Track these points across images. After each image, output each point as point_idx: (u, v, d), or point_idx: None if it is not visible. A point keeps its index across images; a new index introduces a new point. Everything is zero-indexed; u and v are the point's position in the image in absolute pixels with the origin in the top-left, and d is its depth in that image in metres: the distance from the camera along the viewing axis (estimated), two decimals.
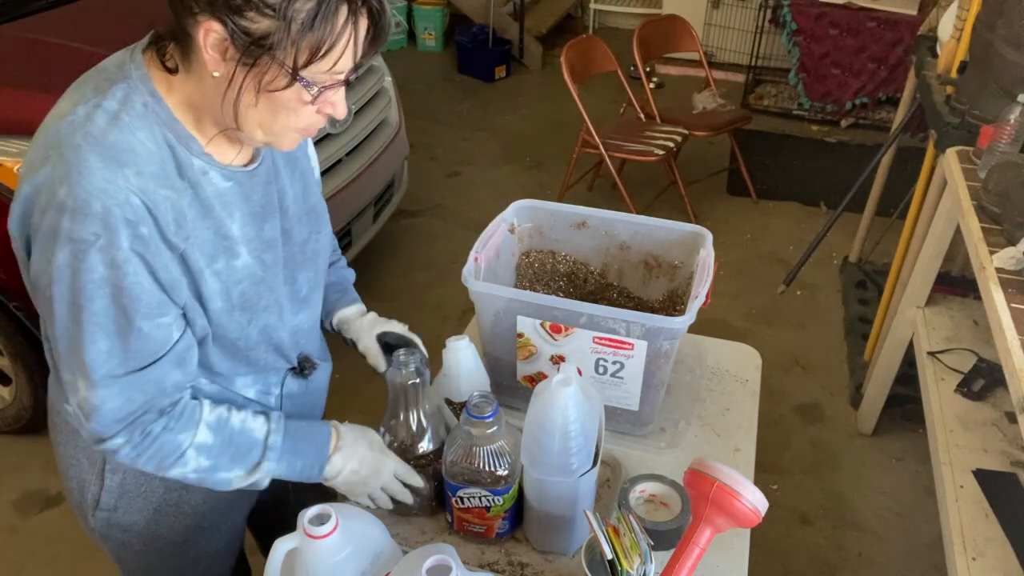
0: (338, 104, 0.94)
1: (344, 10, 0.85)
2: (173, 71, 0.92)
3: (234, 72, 0.87)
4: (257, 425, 1.07)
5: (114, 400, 0.94)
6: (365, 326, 1.31)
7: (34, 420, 2.46)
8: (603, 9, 6.05)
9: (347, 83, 0.93)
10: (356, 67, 0.92)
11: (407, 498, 1.18)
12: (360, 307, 1.35)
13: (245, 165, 1.02)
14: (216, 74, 0.88)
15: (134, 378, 0.94)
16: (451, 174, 4.19)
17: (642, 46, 3.80)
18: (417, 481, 1.17)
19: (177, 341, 0.97)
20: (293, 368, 1.20)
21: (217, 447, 1.02)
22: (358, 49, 0.89)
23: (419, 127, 4.48)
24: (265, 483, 1.08)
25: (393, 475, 1.16)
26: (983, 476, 1.80)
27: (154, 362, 0.95)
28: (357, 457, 1.14)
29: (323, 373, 1.28)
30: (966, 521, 1.69)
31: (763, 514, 1.02)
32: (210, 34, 0.84)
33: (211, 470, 1.03)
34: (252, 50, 0.85)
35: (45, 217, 0.87)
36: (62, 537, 2.24)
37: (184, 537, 1.22)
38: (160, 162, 0.91)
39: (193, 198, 0.95)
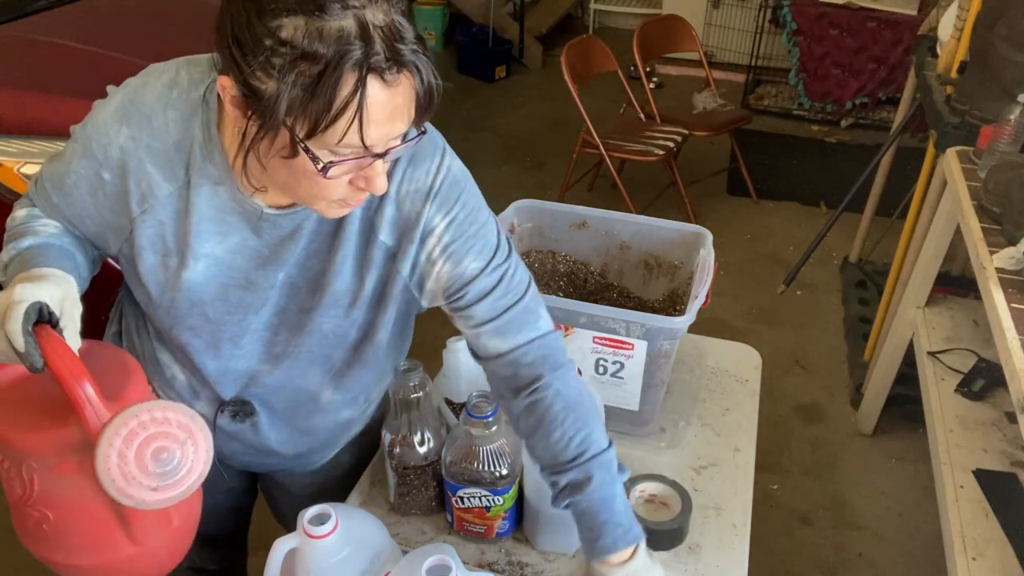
0: (373, 179, 0.86)
1: (351, 79, 0.76)
2: None
3: (246, 128, 0.83)
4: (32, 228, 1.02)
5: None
6: None
7: None
8: (603, 9, 6.05)
9: (382, 156, 0.84)
10: (403, 136, 0.85)
11: (5, 355, 0.85)
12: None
13: (276, 207, 0.97)
14: (237, 128, 0.85)
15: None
16: None
17: (642, 46, 3.79)
18: (15, 339, 0.82)
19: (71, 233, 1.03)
20: (224, 404, 1.13)
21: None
22: (370, 125, 0.79)
23: None
24: None
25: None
26: (983, 476, 1.80)
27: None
28: None
29: (273, 433, 1.17)
30: (966, 521, 1.69)
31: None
32: (226, 90, 0.82)
33: None
34: (261, 110, 0.79)
35: None
36: None
37: None
38: (170, 145, 0.95)
39: (182, 194, 0.96)
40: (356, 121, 0.78)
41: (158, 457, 0.79)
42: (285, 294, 1.04)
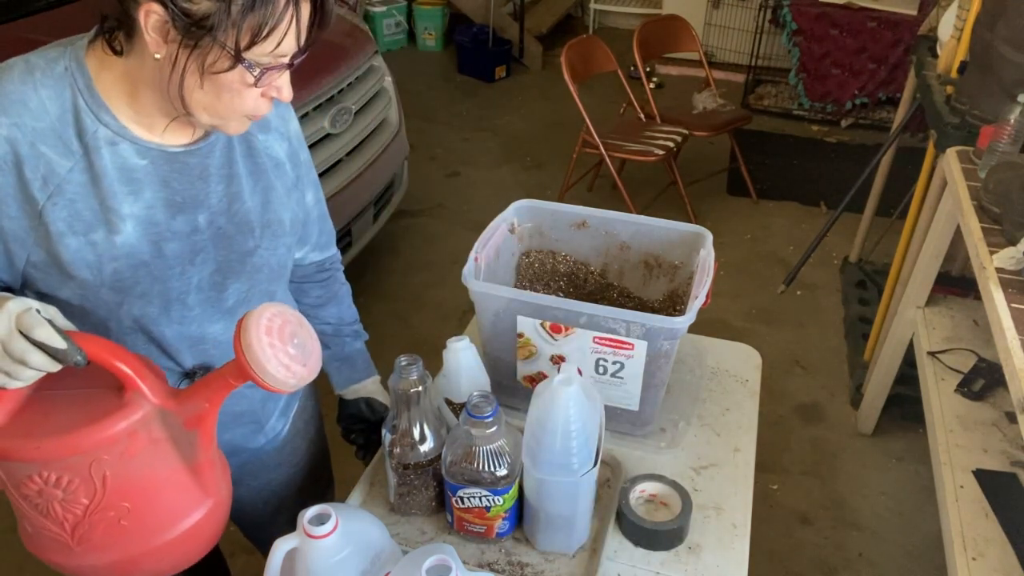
0: (283, 88, 0.96)
1: None
2: (119, 53, 0.94)
3: (176, 54, 0.88)
4: None
5: None
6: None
7: None
8: (603, 9, 6.05)
9: (291, 66, 0.94)
10: (302, 51, 0.93)
11: (45, 364, 0.84)
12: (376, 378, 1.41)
13: (179, 145, 1.01)
14: (158, 56, 0.89)
15: None
16: (451, 174, 4.19)
17: (642, 46, 3.80)
18: (54, 340, 0.84)
19: None
20: (187, 373, 1.13)
21: None
22: (301, 32, 0.90)
23: (419, 127, 4.48)
24: None
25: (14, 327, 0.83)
26: (983, 476, 1.80)
27: None
28: None
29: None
30: (966, 521, 1.69)
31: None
32: (151, 15, 0.86)
33: None
34: (193, 32, 0.86)
35: None
36: None
37: None
38: (55, 121, 0.93)
39: (84, 164, 0.95)
40: (293, 27, 0.89)
41: (292, 340, 0.90)
42: (222, 247, 1.07)
